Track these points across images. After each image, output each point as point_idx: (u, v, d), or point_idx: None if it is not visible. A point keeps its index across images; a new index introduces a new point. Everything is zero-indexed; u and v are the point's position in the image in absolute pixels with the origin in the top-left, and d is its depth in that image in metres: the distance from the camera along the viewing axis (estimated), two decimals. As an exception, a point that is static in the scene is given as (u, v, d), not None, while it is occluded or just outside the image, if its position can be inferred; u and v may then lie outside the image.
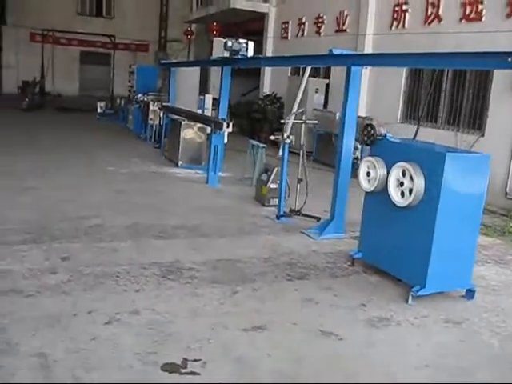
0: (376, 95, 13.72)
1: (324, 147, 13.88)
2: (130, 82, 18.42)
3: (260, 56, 8.78)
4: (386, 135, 5.66)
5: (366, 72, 13.95)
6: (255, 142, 10.65)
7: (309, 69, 14.89)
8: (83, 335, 4.01)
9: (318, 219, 8.00)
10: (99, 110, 19.19)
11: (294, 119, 8.16)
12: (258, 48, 14.76)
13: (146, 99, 15.29)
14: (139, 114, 15.70)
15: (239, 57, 9.25)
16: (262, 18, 19.29)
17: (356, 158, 13.12)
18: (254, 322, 4.50)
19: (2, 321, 4.15)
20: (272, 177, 8.69)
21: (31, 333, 3.97)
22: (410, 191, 5.17)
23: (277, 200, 8.66)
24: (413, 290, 5.21)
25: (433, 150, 5.34)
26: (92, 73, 28.91)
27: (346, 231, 7.40)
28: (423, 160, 5.13)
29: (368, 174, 5.68)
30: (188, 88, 14.73)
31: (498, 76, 10.23)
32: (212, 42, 23.24)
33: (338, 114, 13.29)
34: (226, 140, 9.36)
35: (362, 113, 13.96)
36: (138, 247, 6.16)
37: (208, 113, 16.06)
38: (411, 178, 5.15)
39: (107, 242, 6.25)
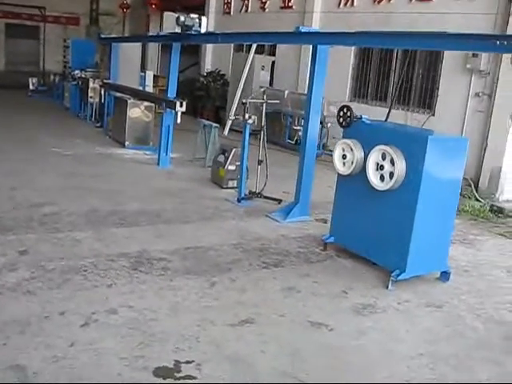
0: (324, 73, 13.58)
1: (272, 126, 13.63)
2: (65, 57, 17.41)
3: (217, 32, 8.39)
4: (361, 117, 5.50)
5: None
6: (207, 122, 10.31)
7: (255, 45, 14.57)
8: (60, 341, 3.64)
9: (280, 201, 7.82)
10: (31, 87, 18.07)
11: (254, 98, 7.86)
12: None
13: (84, 76, 14.51)
14: (77, 92, 14.88)
15: (192, 33, 8.83)
16: (202, -9, 18.68)
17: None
18: (239, 316, 4.27)
19: (-36, 328, 3.72)
20: (230, 158, 8.41)
21: (1, 341, 3.56)
22: (391, 175, 5.06)
23: (235, 182, 8.43)
24: (393, 274, 5.13)
25: (413, 133, 5.23)
26: (19, 47, 27.03)
27: (310, 214, 7.27)
28: (404, 143, 5.01)
29: (344, 156, 5.52)
30: (129, 64, 14.05)
31: (448, 56, 10.34)
32: (149, 16, 22.31)
33: (286, 92, 13.13)
34: (179, 120, 8.96)
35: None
36: (100, 237, 5.75)
37: (149, 90, 15.50)
38: (391, 161, 5.03)
39: (66, 231, 5.80)
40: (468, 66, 9.88)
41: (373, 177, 5.22)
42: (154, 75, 16.91)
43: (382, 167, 5.11)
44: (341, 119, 5.58)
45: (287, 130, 13.14)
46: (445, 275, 5.49)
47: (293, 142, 12.97)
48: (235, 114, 7.92)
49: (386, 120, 6.15)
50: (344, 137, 5.66)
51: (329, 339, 4.09)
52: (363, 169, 5.35)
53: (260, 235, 6.34)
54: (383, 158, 5.12)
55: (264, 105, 7.85)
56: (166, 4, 20.60)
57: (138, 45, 14.60)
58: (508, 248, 6.97)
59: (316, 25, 13.58)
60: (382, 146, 5.07)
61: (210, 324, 4.10)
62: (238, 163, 8.38)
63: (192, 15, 9.02)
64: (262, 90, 8.07)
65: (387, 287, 5.14)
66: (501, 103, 9.41)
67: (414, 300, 4.97)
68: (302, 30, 6.51)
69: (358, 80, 12.82)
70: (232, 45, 16.80)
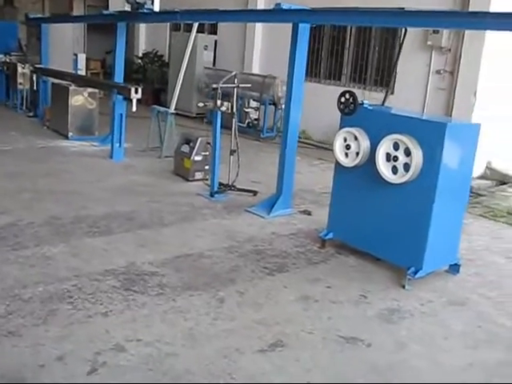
0: (271, 51, 13.01)
1: (220, 109, 12.99)
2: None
3: (176, 10, 7.62)
4: (363, 102, 5.02)
5: (259, 26, 13.22)
6: (162, 108, 9.55)
7: (196, 24, 13.74)
8: (69, 397, 2.97)
9: (255, 193, 7.30)
10: None
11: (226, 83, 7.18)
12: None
13: (9, 60, 13.16)
14: (2, 78, 13.51)
15: (145, 11, 8.00)
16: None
17: (257, 119, 12.59)
18: (265, 339, 3.73)
19: None
20: (196, 148, 7.75)
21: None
22: (405, 166, 4.63)
23: (202, 174, 7.81)
24: (409, 272, 4.75)
25: (428, 119, 4.81)
26: None
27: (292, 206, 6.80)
28: (418, 131, 4.59)
29: (347, 147, 5.04)
30: (61, 47, 12.94)
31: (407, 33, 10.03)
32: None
33: (234, 73, 12.42)
34: (134, 108, 8.14)
35: (256, 70, 13.29)
36: (74, 251, 4.98)
37: (82, 74, 14.40)
38: (405, 151, 4.61)
39: (32, 247, 4.98)
40: (429, 42, 9.66)
41: (384, 169, 4.77)
42: (87, 58, 15.71)
43: (395, 158, 4.67)
44: (342, 106, 5.07)
45: (238, 113, 12.51)
46: (455, 267, 5.19)
47: (244, 125, 12.39)
48: (203, 101, 7.24)
49: (383, 104, 5.75)
50: (343, 125, 5.17)
51: (371, 357, 3.64)
52: (369, 160, 4.91)
53: (250, 235, 5.79)
54: (396, 148, 4.68)
55: (235, 89, 7.22)
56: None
57: (69, 25, 13.41)
58: (494, 230, 6.83)
59: (261, 2, 12.93)
60: (396, 135, 4.62)
61: (237, 353, 3.53)
62: (204, 153, 7.77)
63: (141, -9, 8.18)
64: (234, 74, 7.39)
65: (403, 287, 4.77)
66: (464, 80, 9.27)
67: (436, 299, 4.62)
68: (284, 7, 5.90)
69: (309, 59, 12.33)
70: (168, 24, 15.87)
